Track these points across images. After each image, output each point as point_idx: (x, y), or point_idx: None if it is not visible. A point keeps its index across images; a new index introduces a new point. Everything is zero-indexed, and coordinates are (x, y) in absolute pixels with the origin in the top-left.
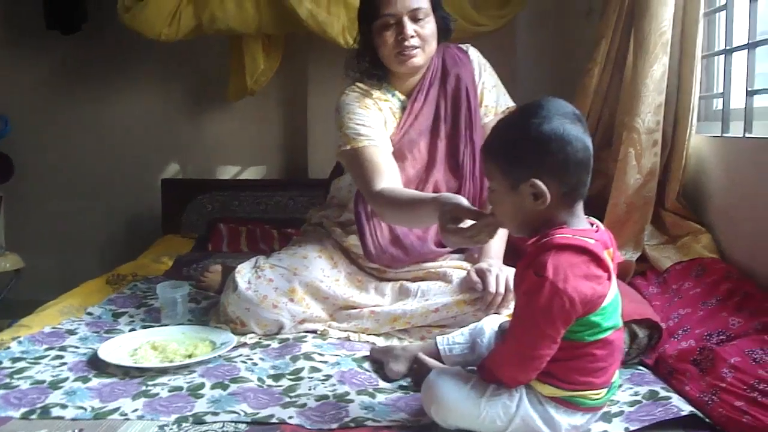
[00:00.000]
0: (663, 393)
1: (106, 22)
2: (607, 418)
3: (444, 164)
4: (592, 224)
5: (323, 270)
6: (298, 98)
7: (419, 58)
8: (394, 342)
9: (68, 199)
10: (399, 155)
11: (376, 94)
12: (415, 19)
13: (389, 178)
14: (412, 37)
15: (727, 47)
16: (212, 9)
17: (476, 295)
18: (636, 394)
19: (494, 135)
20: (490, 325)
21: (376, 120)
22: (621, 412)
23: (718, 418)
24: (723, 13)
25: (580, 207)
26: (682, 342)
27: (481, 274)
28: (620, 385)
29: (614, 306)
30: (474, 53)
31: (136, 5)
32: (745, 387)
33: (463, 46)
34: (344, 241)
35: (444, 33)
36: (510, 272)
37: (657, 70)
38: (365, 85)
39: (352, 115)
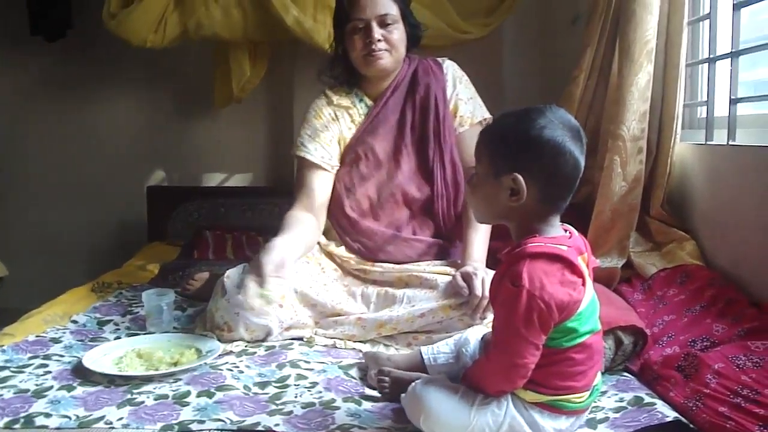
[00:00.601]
0: (648, 399)
1: (91, 28)
2: (593, 424)
3: (414, 171)
4: (566, 230)
5: (311, 275)
6: (285, 105)
7: (386, 61)
8: (381, 348)
9: (53, 207)
10: (354, 154)
11: (341, 101)
12: (383, 24)
13: (307, 201)
14: (379, 41)
15: (711, 56)
16: (198, 16)
17: (462, 300)
18: (621, 400)
19: (496, 122)
20: (475, 335)
21: (323, 134)
22: (606, 419)
23: (702, 424)
24: (707, 22)
25: (555, 218)
26: (666, 348)
27: (467, 277)
28: (605, 391)
29: (591, 310)
30: (450, 66)
31: (122, 12)
32: (728, 393)
33: (440, 59)
34: (328, 245)
35: (413, 41)
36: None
37: (642, 79)
38: (334, 91)
39: (306, 124)
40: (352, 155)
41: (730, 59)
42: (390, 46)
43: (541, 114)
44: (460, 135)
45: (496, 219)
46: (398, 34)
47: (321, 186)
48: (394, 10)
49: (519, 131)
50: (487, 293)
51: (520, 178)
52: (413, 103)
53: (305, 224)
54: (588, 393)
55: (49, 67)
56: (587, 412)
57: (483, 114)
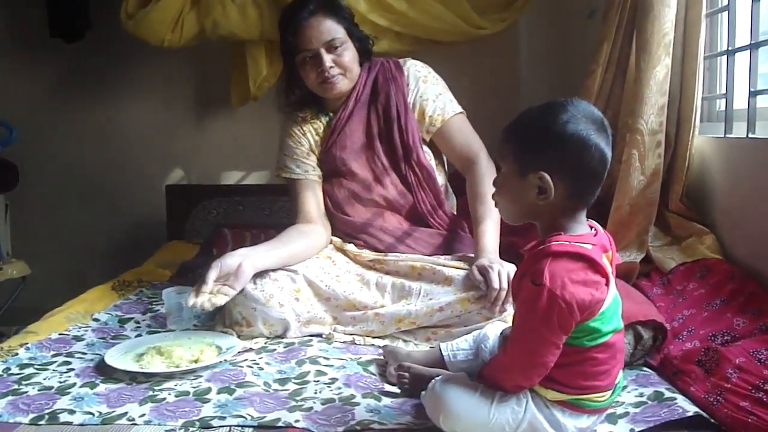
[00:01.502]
0: (668, 394)
1: (110, 29)
2: (613, 419)
3: (393, 182)
4: (591, 227)
5: (322, 268)
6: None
7: (342, 84)
8: (400, 344)
9: (74, 206)
10: (329, 171)
11: (307, 116)
12: (331, 49)
13: (307, 215)
14: (331, 67)
15: (730, 48)
16: (215, 15)
17: (480, 293)
18: (641, 395)
19: (519, 119)
20: (494, 331)
21: (299, 150)
22: (626, 413)
23: (724, 419)
24: (725, 14)
25: (582, 214)
26: (686, 343)
27: (483, 270)
28: (625, 386)
29: (613, 309)
30: (412, 66)
31: (139, 12)
32: (750, 387)
33: (402, 60)
34: (340, 243)
35: (365, 54)
36: (510, 268)
37: (660, 72)
38: (301, 111)
39: (282, 145)
40: (329, 171)
41: (749, 51)
42: (343, 69)
43: (564, 108)
44: (439, 132)
45: (524, 218)
46: (349, 54)
47: (315, 198)
48: (340, 33)
49: (542, 127)
50: (504, 285)
51: (547, 176)
52: (377, 113)
53: (302, 235)
54: (610, 392)
55: (67, 68)
56: (608, 409)
57: (454, 109)
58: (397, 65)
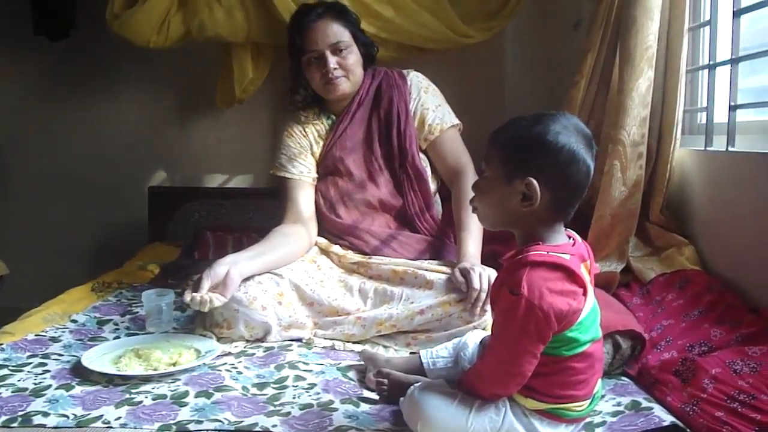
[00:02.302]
0: (645, 403)
1: (95, 28)
2: (590, 428)
3: (386, 182)
4: (569, 237)
5: (307, 272)
6: (287, 107)
7: (344, 86)
8: (380, 350)
9: (54, 206)
10: (326, 170)
11: (309, 118)
12: (336, 52)
13: (294, 216)
14: (335, 69)
15: (711, 62)
16: (201, 17)
17: (461, 296)
18: (619, 404)
19: (509, 125)
20: (473, 339)
21: (298, 150)
22: (603, 422)
23: (699, 429)
24: (707, 29)
25: (561, 224)
26: (664, 353)
27: (464, 272)
28: (603, 395)
29: (592, 319)
30: (414, 77)
31: (125, 12)
32: (725, 398)
33: (405, 71)
34: (322, 244)
35: (369, 59)
36: (492, 272)
37: (642, 84)
38: (303, 111)
39: (280, 144)
40: (325, 170)
41: (729, 66)
42: (346, 71)
43: (556, 120)
44: (434, 142)
45: (503, 225)
46: (353, 57)
47: (306, 199)
48: (345, 36)
49: (534, 135)
50: (485, 286)
51: (534, 182)
52: (378, 117)
53: (286, 239)
54: (588, 401)
55: (51, 66)
56: (587, 419)
57: (452, 120)
58: (401, 75)
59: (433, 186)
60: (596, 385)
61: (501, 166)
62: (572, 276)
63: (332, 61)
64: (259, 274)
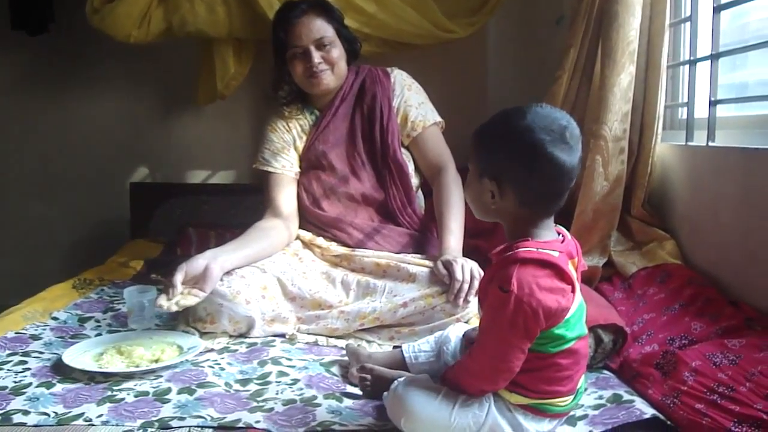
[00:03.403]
0: (626, 396)
1: (74, 23)
2: (572, 421)
3: (369, 176)
4: (559, 233)
5: (290, 264)
6: (269, 102)
7: (328, 80)
8: (363, 344)
9: (34, 202)
10: (309, 164)
11: (293, 113)
12: (320, 47)
13: (276, 210)
14: (319, 63)
15: (692, 58)
16: (183, 12)
17: (444, 288)
18: (600, 397)
19: (486, 123)
20: (456, 333)
21: (281, 144)
22: (585, 416)
23: (680, 421)
24: (688, 24)
25: (547, 220)
26: (646, 346)
27: (447, 264)
28: (585, 389)
29: (578, 316)
30: (398, 75)
31: (105, 7)
32: (705, 390)
33: (389, 69)
34: (305, 237)
35: (352, 54)
36: (474, 264)
37: (624, 79)
38: (287, 106)
39: (264, 138)
40: (308, 164)
41: (710, 61)
42: (330, 64)
43: (521, 117)
44: (417, 138)
45: (487, 218)
46: (337, 52)
47: (287, 194)
48: (329, 32)
49: (496, 134)
50: (467, 277)
51: (493, 182)
52: (362, 112)
53: (265, 233)
54: (572, 396)
55: (30, 61)
56: (570, 414)
57: (435, 117)
58: (385, 72)
59: (415, 181)
60: (580, 381)
61: (474, 163)
62: (560, 273)
63: (316, 56)
64: (239, 268)
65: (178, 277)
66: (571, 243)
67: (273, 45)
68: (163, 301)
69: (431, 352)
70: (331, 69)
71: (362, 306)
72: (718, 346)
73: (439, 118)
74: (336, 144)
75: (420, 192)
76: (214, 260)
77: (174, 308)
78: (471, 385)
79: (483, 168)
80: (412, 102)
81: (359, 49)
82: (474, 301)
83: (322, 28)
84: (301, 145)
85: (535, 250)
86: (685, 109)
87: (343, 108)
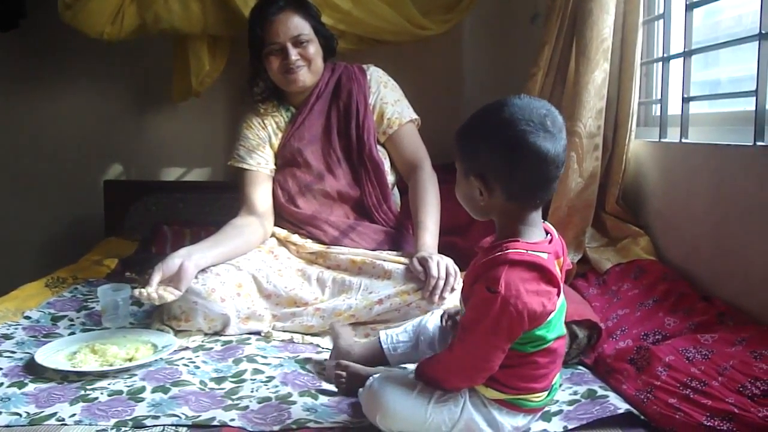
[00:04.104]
0: (601, 392)
1: (46, 18)
2: (547, 416)
3: (344, 173)
4: (547, 232)
5: (265, 261)
6: (244, 100)
7: (305, 77)
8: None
9: (6, 200)
10: (284, 161)
11: (268, 110)
12: (297, 44)
13: (251, 208)
14: (296, 59)
15: (665, 55)
16: (156, 8)
17: (419, 285)
18: (575, 393)
19: (467, 121)
20: (434, 321)
21: (256, 142)
22: (560, 411)
23: (653, 416)
24: (661, 22)
25: (535, 216)
26: (620, 342)
27: (423, 261)
28: (560, 385)
29: (559, 317)
30: (374, 72)
31: (78, 3)
32: (678, 385)
33: (365, 66)
34: (285, 235)
35: (329, 51)
36: (449, 260)
37: (598, 76)
38: (262, 103)
39: (239, 135)
40: (283, 161)
41: (683, 58)
42: (306, 61)
43: (500, 111)
44: (393, 135)
45: (481, 216)
46: (314, 49)
47: (263, 192)
48: (306, 29)
49: (477, 132)
50: (443, 274)
51: (479, 179)
52: (338, 109)
53: (239, 230)
54: (547, 392)
55: (0, 57)
56: (544, 410)
57: (411, 115)
58: (361, 69)
59: (391, 178)
60: (555, 378)
61: (459, 162)
62: (549, 277)
63: (293, 53)
64: (215, 265)
65: (156, 278)
66: (558, 242)
67: (249, 41)
68: (143, 289)
69: (409, 342)
70: (308, 66)
71: (338, 303)
72: (690, 341)
73: (415, 116)
74: (311, 141)
75: (396, 189)
76: (189, 258)
77: (154, 296)
78: (447, 380)
79: (468, 167)
80: (388, 99)
81: (336, 46)
82: (450, 297)
83: (299, 25)
84: (276, 142)
85: (525, 251)
86: (659, 106)
87: (319, 105)
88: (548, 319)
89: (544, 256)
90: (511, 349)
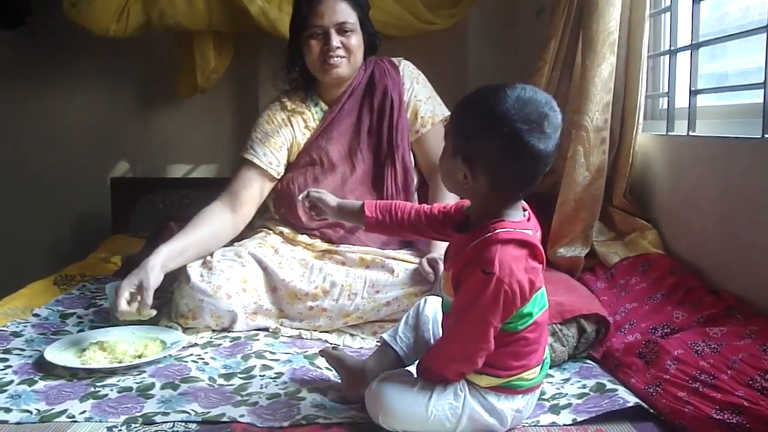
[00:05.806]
0: (610, 385)
1: (52, 16)
2: (556, 410)
3: (367, 174)
4: (524, 210)
5: (266, 256)
6: (250, 96)
7: (343, 69)
8: (347, 339)
9: (13, 199)
10: (308, 158)
11: (296, 106)
12: (341, 32)
13: (235, 200)
14: (337, 48)
15: (672, 48)
16: (161, 5)
17: (427, 287)
18: (584, 386)
19: (469, 98)
20: (432, 306)
21: (274, 139)
22: (569, 404)
23: (662, 409)
24: (668, 15)
25: (518, 202)
26: (628, 336)
27: (433, 263)
28: (568, 378)
29: (542, 291)
30: (406, 67)
31: (82, 0)
32: (687, 378)
33: (396, 60)
34: (292, 234)
35: (370, 48)
36: None
37: (605, 70)
38: (288, 97)
39: (257, 128)
40: (306, 159)
41: (690, 51)
42: (347, 52)
43: (502, 101)
44: (423, 136)
45: (457, 194)
46: (356, 40)
47: (257, 190)
48: (352, 18)
49: (475, 118)
50: None
51: (467, 164)
52: (370, 107)
53: (212, 225)
54: (539, 368)
55: (7, 55)
56: (540, 387)
57: (443, 112)
58: (392, 63)
59: (415, 182)
60: (545, 351)
61: (450, 137)
62: (535, 252)
63: (336, 40)
64: (218, 261)
65: (125, 294)
66: (534, 220)
67: (291, 21)
68: (127, 306)
69: (412, 338)
70: (348, 58)
71: (345, 304)
72: (699, 335)
73: (447, 112)
74: (338, 139)
75: (416, 193)
76: (153, 270)
77: (146, 311)
78: (449, 368)
79: (458, 146)
80: (421, 96)
81: (379, 44)
82: None
83: (346, 12)
84: (303, 140)
85: (513, 230)
86: (666, 99)
87: (350, 102)
88: (534, 294)
89: (529, 233)
90: (502, 329)
